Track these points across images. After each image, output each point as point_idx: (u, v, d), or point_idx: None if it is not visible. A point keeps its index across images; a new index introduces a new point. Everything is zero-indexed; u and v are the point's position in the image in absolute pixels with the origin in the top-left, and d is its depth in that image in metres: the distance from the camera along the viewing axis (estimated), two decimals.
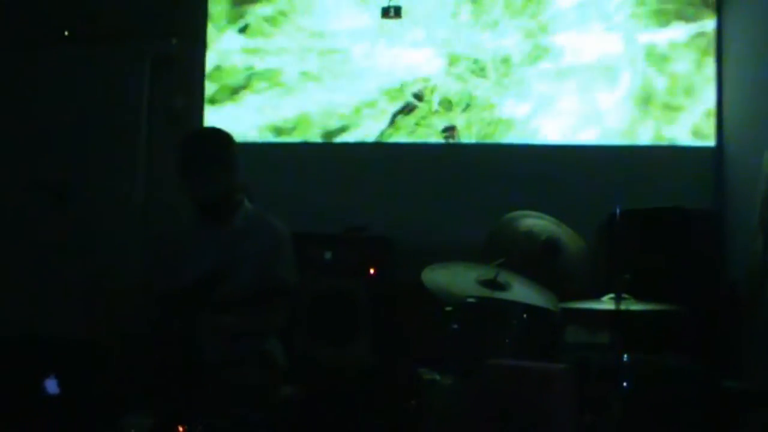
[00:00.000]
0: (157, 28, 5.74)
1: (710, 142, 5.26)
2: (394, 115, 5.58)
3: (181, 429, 3.25)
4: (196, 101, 5.78)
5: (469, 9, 5.56)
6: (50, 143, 5.60)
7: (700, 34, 5.31)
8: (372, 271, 5.04)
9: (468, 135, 5.51)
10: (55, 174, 5.30)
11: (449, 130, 5.27)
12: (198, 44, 5.82)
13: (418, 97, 5.55)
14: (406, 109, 5.56)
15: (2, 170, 5.59)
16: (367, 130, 5.62)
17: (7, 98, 5.69)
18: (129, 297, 4.65)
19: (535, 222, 4.56)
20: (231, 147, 3.86)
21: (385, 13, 5.58)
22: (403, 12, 5.56)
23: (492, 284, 3.86)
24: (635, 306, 3.50)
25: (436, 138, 5.53)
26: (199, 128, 5.42)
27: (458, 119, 5.51)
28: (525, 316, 3.70)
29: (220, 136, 3.91)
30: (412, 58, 5.61)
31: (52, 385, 2.76)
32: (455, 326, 3.71)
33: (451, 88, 5.54)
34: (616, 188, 5.01)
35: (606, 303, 3.53)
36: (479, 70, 5.53)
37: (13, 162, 5.58)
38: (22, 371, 2.89)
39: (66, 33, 5.72)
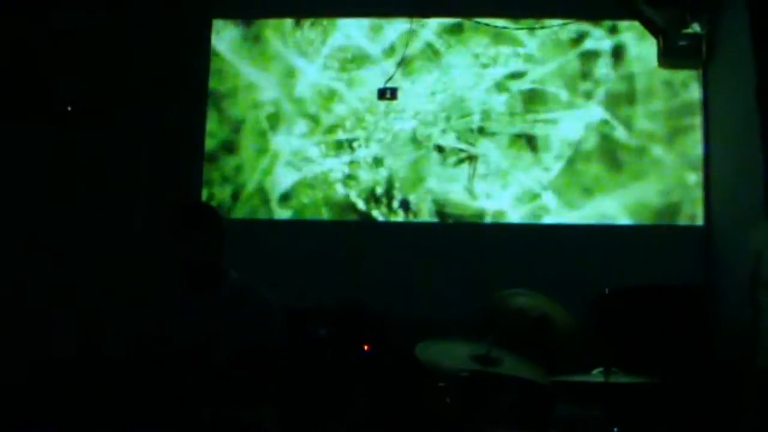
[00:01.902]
0: (159, 99, 5.88)
1: (699, 221, 5.36)
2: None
3: None
4: (195, 171, 5.93)
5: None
6: (50, 211, 5.73)
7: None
8: (366, 347, 5.08)
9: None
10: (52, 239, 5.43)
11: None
12: (198, 115, 5.98)
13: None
14: None
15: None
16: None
17: (7, 166, 5.82)
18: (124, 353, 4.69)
19: (527, 300, 4.60)
20: (215, 218, 3.95)
21: (381, 95, 5.65)
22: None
23: (484, 359, 3.91)
24: (624, 379, 3.54)
25: None
26: (186, 201, 5.56)
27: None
28: (516, 390, 3.75)
29: (204, 207, 4.43)
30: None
31: None
32: (448, 399, 3.76)
33: None
34: (608, 266, 5.12)
35: (595, 376, 3.58)
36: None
37: (10, 228, 5.68)
38: (23, 425, 2.92)
39: (69, 108, 5.84)
